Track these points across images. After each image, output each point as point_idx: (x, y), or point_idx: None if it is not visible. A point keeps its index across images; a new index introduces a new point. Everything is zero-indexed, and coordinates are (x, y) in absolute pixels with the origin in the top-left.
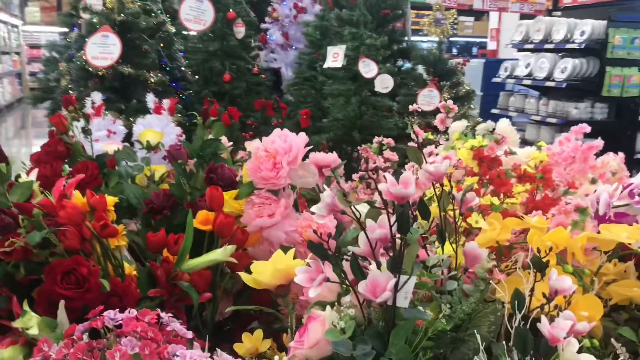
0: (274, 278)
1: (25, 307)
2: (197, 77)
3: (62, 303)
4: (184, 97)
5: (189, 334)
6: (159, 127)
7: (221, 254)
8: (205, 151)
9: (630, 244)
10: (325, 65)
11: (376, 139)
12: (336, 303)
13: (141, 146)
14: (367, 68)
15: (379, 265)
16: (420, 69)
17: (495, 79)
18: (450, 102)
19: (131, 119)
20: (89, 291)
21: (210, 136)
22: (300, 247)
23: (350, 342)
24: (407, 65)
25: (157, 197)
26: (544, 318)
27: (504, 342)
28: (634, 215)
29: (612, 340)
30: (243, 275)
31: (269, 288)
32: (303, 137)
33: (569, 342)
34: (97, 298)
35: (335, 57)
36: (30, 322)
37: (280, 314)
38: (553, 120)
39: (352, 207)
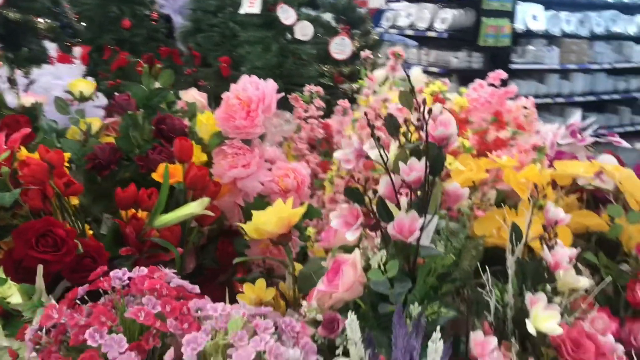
0: (278, 227)
1: (1, 274)
2: (84, 24)
3: (40, 268)
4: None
5: (197, 289)
6: (71, 78)
7: (197, 207)
8: (153, 101)
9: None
10: (242, 11)
11: (307, 87)
12: (359, 246)
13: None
14: (286, 14)
15: (399, 208)
16: (329, 16)
17: (379, 29)
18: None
19: (22, 69)
20: (68, 254)
21: (156, 85)
22: (276, 196)
23: (388, 282)
24: (314, 12)
25: (103, 151)
26: (545, 247)
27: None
28: (572, 154)
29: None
30: (244, 226)
31: (271, 237)
32: (273, 84)
33: (569, 268)
34: (73, 261)
35: (252, 3)
36: (10, 290)
37: (284, 262)
38: (435, 70)
39: (382, 152)
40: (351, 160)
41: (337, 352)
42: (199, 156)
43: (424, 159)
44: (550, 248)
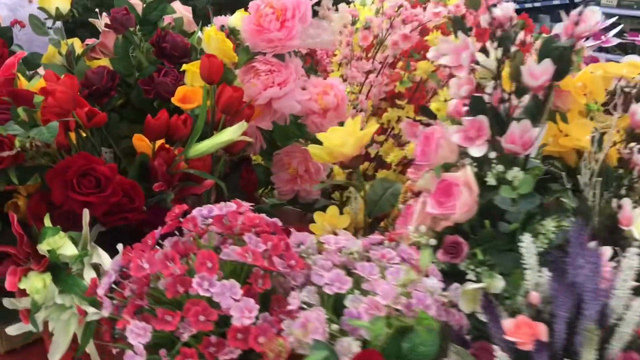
0: (354, 148)
1: (48, 222)
2: None
3: (86, 213)
4: None
5: (279, 222)
6: None
7: (235, 132)
8: (151, 15)
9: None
10: None
11: None
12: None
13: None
14: None
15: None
16: None
17: None
18: None
19: None
20: (114, 194)
21: None
22: (315, 116)
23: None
24: None
25: (99, 76)
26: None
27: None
28: (593, 57)
29: None
30: (314, 150)
31: (344, 160)
32: None
33: None
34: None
35: None
36: (62, 240)
37: (354, 184)
38: None
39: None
40: (463, 67)
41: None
42: None
43: (545, 63)
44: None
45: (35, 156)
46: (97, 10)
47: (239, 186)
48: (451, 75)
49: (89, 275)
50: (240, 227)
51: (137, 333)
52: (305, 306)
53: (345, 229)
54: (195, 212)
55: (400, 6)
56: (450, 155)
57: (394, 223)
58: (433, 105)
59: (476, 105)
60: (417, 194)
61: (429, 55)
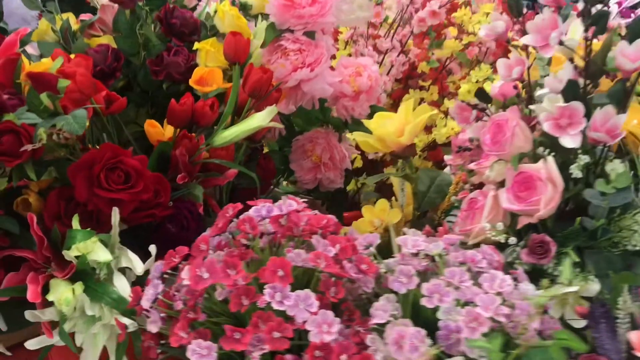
0: (411, 136)
1: (77, 224)
2: None
3: (116, 211)
4: None
5: (333, 218)
6: None
7: (264, 118)
8: None
9: None
10: None
11: None
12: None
13: None
14: None
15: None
16: None
17: None
18: None
19: None
20: (145, 190)
21: None
22: (347, 100)
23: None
24: None
25: (102, 56)
26: None
27: None
28: None
29: None
30: (362, 138)
31: (397, 149)
32: None
33: None
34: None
35: None
36: (93, 245)
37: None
38: None
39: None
40: (550, 46)
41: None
42: (219, 57)
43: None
44: None
45: (55, 148)
46: None
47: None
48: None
49: (119, 282)
50: (305, 228)
51: (200, 353)
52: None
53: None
54: (252, 212)
55: None
56: (525, 145)
57: (442, 216)
58: (464, 87)
59: (570, 91)
60: (476, 186)
61: (481, 32)
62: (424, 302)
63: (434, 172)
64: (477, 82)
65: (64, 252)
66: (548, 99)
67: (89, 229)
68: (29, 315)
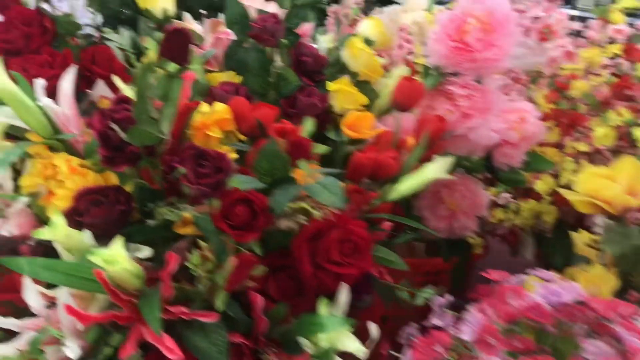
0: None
1: (325, 309)
2: None
3: (345, 288)
4: None
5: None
6: None
7: (439, 170)
8: (292, 22)
9: None
10: None
11: None
12: None
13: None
14: None
15: None
16: None
17: None
18: None
19: None
20: (370, 262)
21: None
22: (508, 147)
23: None
24: None
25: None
26: None
27: None
28: None
29: None
30: (574, 195)
31: (619, 211)
32: None
33: None
34: None
35: None
36: (344, 333)
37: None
38: None
39: None
40: None
41: None
42: (356, 98)
43: None
44: None
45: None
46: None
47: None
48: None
49: None
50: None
51: None
52: None
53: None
54: (539, 296)
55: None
56: None
57: None
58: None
59: None
60: None
61: None
62: None
63: (626, 229)
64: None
65: (302, 341)
66: None
67: (343, 317)
68: None
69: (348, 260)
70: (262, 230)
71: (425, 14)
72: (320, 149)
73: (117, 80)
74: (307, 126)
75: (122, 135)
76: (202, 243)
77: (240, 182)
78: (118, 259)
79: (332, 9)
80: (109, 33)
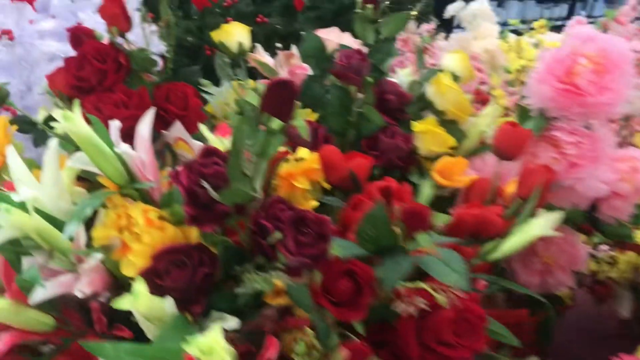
0: None
1: None
2: None
3: None
4: None
5: None
6: None
7: (545, 226)
8: (376, 57)
9: None
10: None
11: None
12: None
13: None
14: None
15: None
16: None
17: None
18: None
19: None
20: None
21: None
22: (617, 200)
23: None
24: None
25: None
26: None
27: None
28: None
29: None
30: None
31: None
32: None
33: None
34: None
35: None
36: None
37: None
38: None
39: None
40: None
41: None
42: (444, 140)
43: None
44: None
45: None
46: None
47: None
48: None
49: None
50: None
51: None
52: None
53: None
54: None
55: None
56: None
57: None
58: None
59: None
60: None
61: None
62: None
63: None
64: None
65: None
66: None
67: None
68: None
69: (461, 342)
70: (368, 307)
71: (498, 41)
72: (442, 218)
73: (205, 130)
74: (426, 191)
75: (213, 193)
76: (308, 330)
77: (342, 249)
78: (216, 349)
79: (401, 37)
80: (208, 86)
